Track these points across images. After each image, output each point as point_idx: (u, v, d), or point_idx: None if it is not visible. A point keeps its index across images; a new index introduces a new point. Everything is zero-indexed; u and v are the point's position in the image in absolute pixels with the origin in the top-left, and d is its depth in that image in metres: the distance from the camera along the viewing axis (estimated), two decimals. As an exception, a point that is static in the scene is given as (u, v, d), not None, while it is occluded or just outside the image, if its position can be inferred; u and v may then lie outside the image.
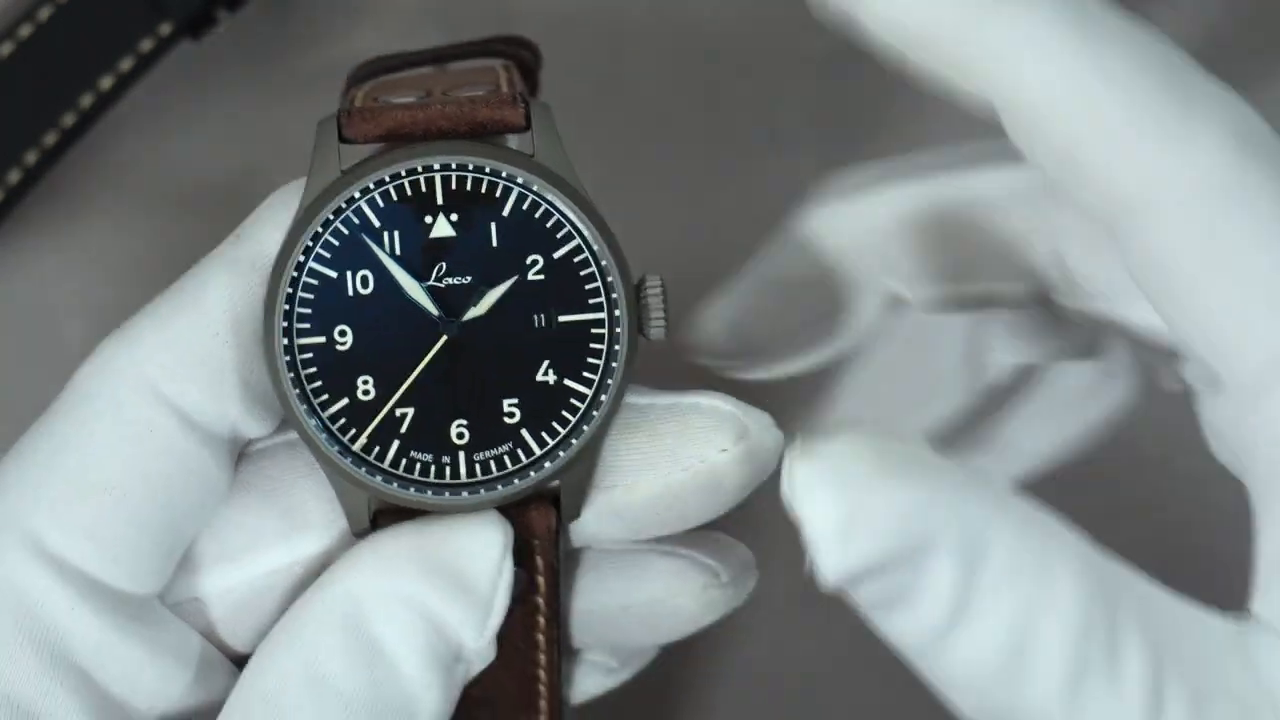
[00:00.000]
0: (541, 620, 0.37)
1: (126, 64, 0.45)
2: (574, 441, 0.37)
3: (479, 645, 0.35)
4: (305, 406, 0.36)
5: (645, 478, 0.36)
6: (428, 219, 0.37)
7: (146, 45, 0.45)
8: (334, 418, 0.36)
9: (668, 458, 0.36)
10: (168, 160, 0.47)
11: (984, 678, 0.32)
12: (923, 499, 0.31)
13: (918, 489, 0.31)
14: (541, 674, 0.37)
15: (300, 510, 0.36)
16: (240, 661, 0.35)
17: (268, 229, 0.36)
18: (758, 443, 0.35)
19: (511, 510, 0.37)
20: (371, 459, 0.36)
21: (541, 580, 0.37)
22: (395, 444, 0.36)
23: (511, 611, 0.36)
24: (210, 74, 0.48)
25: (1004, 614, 0.31)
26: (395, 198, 0.37)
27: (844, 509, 0.31)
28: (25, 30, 0.45)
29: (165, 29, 0.45)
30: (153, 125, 0.48)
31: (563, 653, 0.38)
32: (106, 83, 0.45)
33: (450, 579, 0.35)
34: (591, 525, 0.37)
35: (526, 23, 0.48)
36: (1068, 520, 0.33)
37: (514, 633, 0.37)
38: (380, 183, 0.37)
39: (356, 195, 0.37)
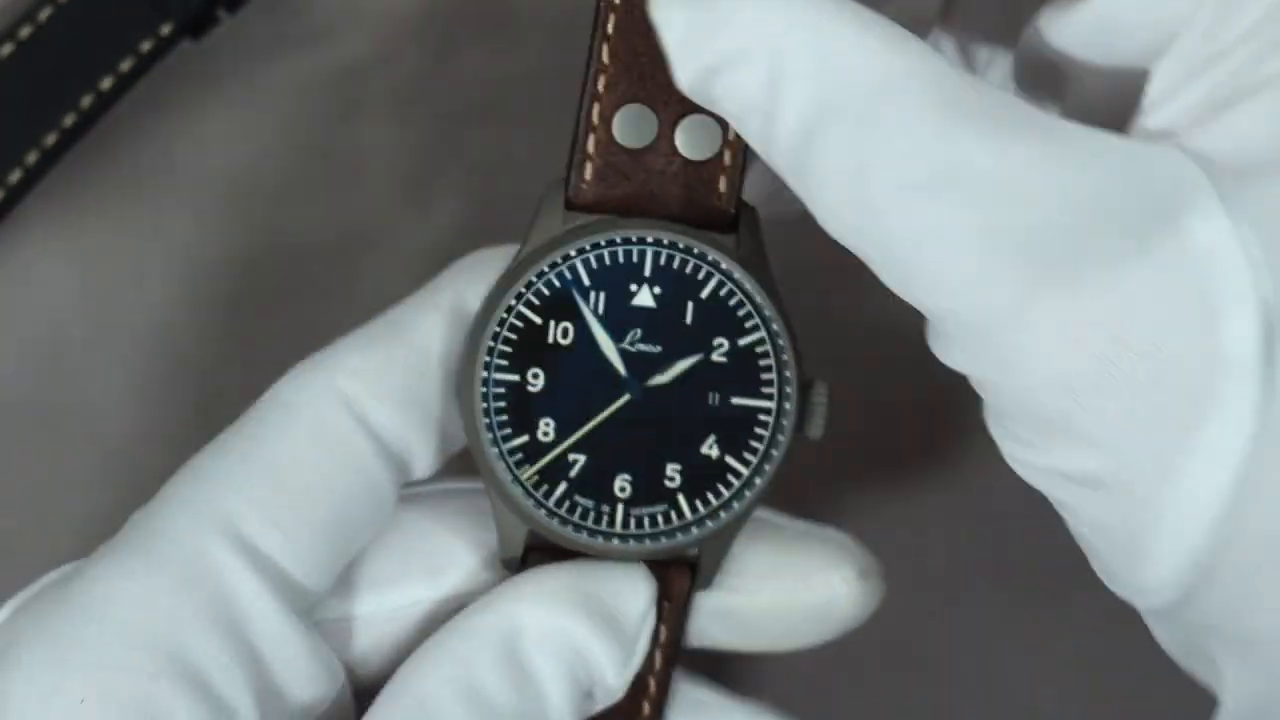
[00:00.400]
0: (653, 682, 0.40)
1: (127, 64, 0.45)
2: (723, 514, 0.39)
3: (616, 684, 0.37)
4: (489, 436, 0.39)
5: (769, 587, 0.39)
6: (633, 287, 0.40)
7: (147, 46, 0.45)
8: (512, 451, 0.39)
9: (795, 575, 0.39)
10: (168, 160, 0.48)
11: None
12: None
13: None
14: None
15: (447, 551, 0.39)
16: (360, 687, 0.38)
17: (466, 283, 0.39)
18: (875, 584, 0.39)
19: (654, 567, 0.40)
20: (539, 495, 0.39)
21: (664, 638, 0.40)
22: (562, 485, 0.39)
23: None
24: (210, 75, 0.48)
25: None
26: (608, 262, 0.40)
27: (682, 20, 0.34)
28: (25, 31, 0.45)
29: (165, 29, 0.45)
30: (153, 125, 0.48)
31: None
32: (107, 83, 0.45)
33: (603, 618, 0.37)
34: (702, 622, 0.39)
35: (527, 27, 0.48)
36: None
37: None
38: (596, 245, 0.40)
39: (573, 253, 0.40)
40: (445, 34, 0.48)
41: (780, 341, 0.39)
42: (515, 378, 0.40)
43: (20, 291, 0.47)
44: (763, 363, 0.40)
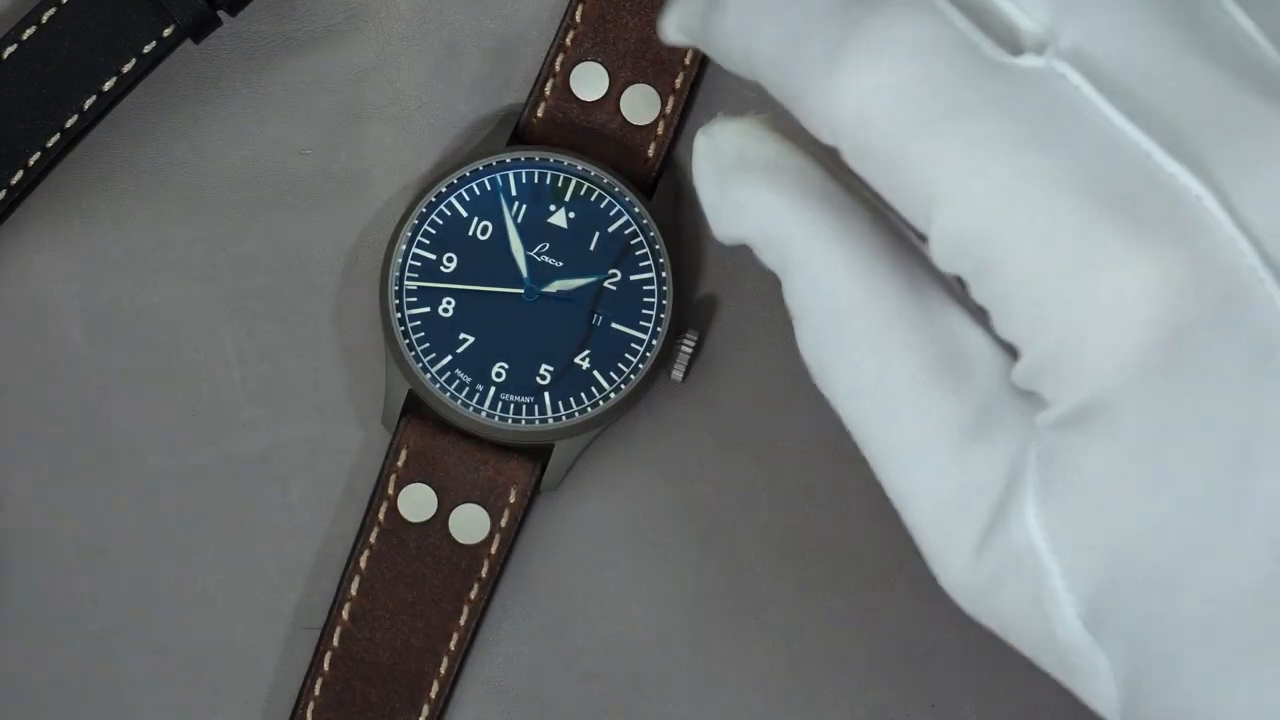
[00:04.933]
0: (486, 565, 0.46)
1: (128, 66, 0.45)
2: (578, 418, 0.46)
3: None
4: (397, 301, 0.46)
5: None
6: (551, 207, 0.46)
7: (148, 47, 0.45)
8: (413, 318, 0.46)
9: None
10: (168, 161, 0.47)
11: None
12: (769, 202, 0.38)
13: (762, 191, 0.38)
14: (451, 646, 0.46)
15: None
16: None
17: None
18: None
19: (503, 457, 0.46)
20: (426, 360, 0.46)
21: (498, 540, 0.46)
22: (448, 357, 0.46)
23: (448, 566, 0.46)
24: (211, 75, 0.48)
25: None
26: (536, 180, 0.46)
27: (714, 193, 0.39)
28: (28, 32, 0.45)
29: (167, 31, 0.45)
30: (154, 126, 0.47)
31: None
32: (108, 84, 0.45)
33: None
34: None
35: (527, 28, 0.48)
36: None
37: (441, 588, 0.46)
38: (530, 162, 0.46)
39: (509, 162, 0.46)
40: (445, 38, 0.48)
41: (665, 288, 0.46)
42: (432, 257, 0.46)
43: (20, 292, 0.47)
44: (646, 300, 0.46)
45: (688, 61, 0.47)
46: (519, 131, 0.46)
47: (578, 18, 0.47)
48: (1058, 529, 0.35)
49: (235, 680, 0.46)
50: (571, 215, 0.46)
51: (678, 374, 0.46)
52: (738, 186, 0.38)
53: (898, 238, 0.38)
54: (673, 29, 0.39)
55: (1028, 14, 0.36)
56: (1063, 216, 0.35)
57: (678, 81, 0.47)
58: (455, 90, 0.48)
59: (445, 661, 0.45)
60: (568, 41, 0.47)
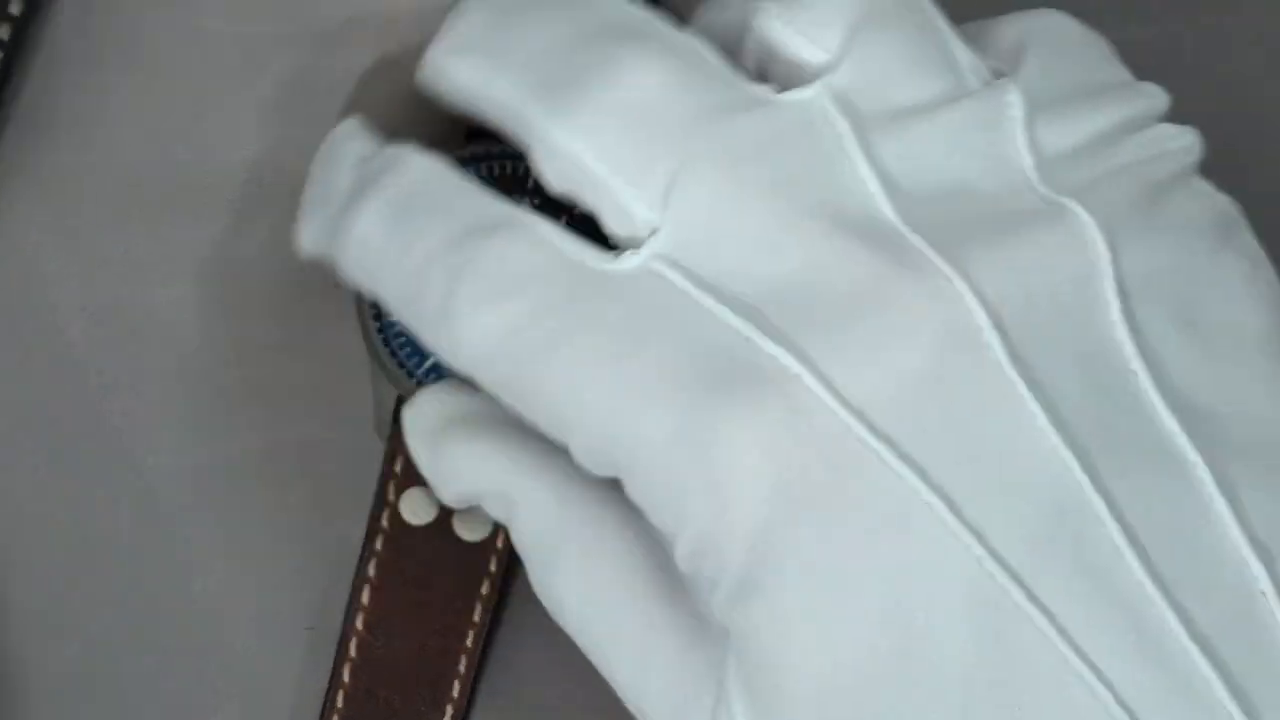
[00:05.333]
0: (487, 582, 0.46)
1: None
2: None
3: None
4: (373, 311, 0.45)
5: None
6: (516, 196, 0.42)
7: None
8: (389, 325, 0.45)
9: None
10: (168, 161, 0.48)
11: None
12: (476, 458, 0.41)
13: (467, 451, 0.41)
14: (468, 644, 0.46)
15: None
16: None
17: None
18: None
19: None
20: (410, 365, 0.44)
21: (503, 534, 0.46)
22: (431, 359, 0.44)
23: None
24: (210, 75, 0.48)
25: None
26: (497, 172, 0.44)
27: (430, 463, 0.42)
28: None
29: None
30: (154, 126, 0.48)
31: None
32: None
33: None
34: None
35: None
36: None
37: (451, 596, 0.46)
38: (489, 156, 0.44)
39: (468, 158, 0.44)
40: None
41: None
42: None
43: (20, 293, 0.47)
44: None
45: None
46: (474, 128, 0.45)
47: None
48: (762, 712, 0.36)
49: (234, 680, 0.46)
50: (537, 203, 0.45)
51: None
52: (446, 455, 0.42)
53: None
54: (307, 245, 0.42)
55: (638, 199, 0.38)
56: (666, 413, 0.36)
57: None
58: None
59: (464, 660, 0.45)
60: None
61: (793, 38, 0.39)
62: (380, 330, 0.45)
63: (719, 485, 0.36)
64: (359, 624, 0.45)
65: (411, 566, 0.46)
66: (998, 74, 0.40)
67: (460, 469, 0.42)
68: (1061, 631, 0.35)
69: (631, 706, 0.39)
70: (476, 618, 0.45)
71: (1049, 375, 0.36)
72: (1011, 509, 0.35)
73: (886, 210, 0.37)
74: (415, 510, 0.46)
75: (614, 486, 0.39)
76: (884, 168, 0.37)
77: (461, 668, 0.45)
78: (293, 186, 0.47)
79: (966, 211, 0.37)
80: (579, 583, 0.40)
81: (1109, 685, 0.34)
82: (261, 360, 0.47)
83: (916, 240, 0.36)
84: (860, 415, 0.35)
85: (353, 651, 0.45)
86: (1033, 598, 0.35)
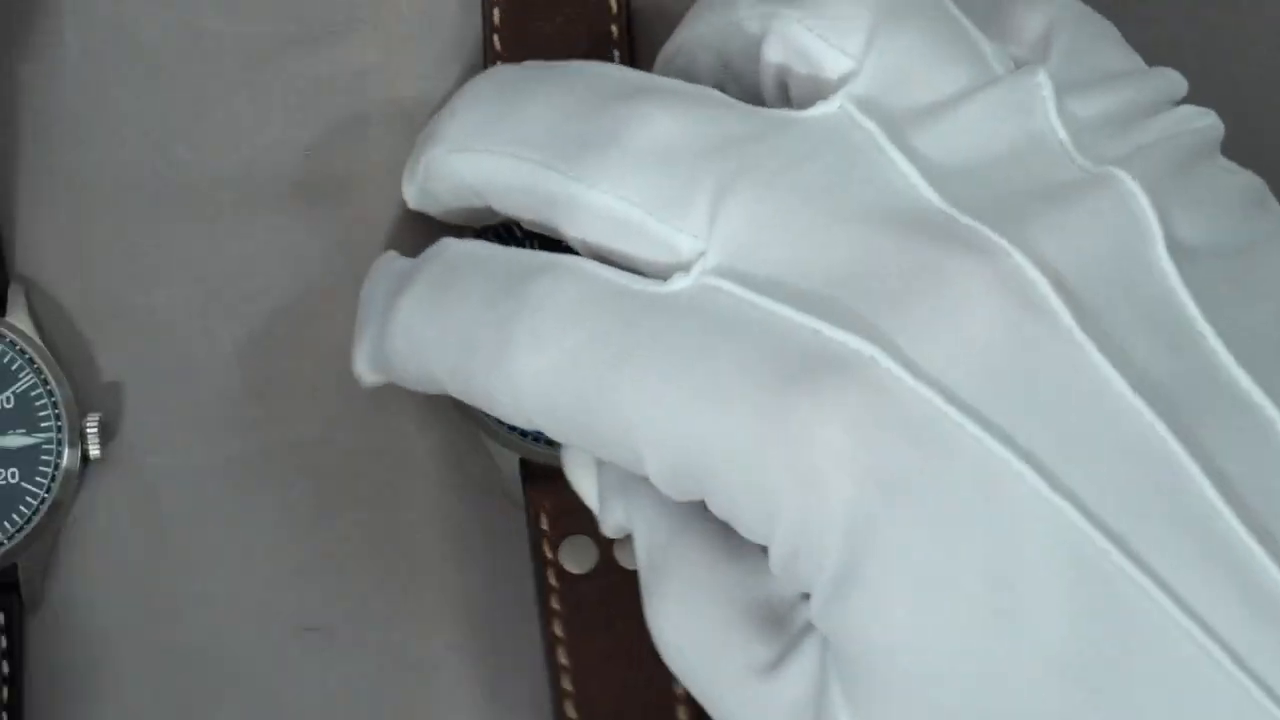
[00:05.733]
0: None
1: None
2: None
3: None
4: None
5: None
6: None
7: None
8: None
9: None
10: (169, 161, 0.48)
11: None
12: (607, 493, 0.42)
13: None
14: None
15: None
16: None
17: None
18: None
19: None
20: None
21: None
22: None
23: None
24: (211, 76, 0.48)
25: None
26: (529, 232, 0.44)
27: (592, 491, 0.42)
28: None
29: None
30: (154, 126, 0.48)
31: None
32: None
33: None
34: None
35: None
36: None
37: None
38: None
39: (496, 227, 0.45)
40: (445, 41, 0.48)
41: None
42: None
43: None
44: None
45: None
46: None
47: (498, 46, 0.46)
48: (868, 705, 0.36)
49: (235, 681, 0.46)
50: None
51: None
52: (604, 470, 0.42)
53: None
54: (364, 370, 0.42)
55: (681, 231, 0.38)
56: (744, 415, 0.36)
57: None
58: (455, 90, 0.48)
59: (679, 685, 0.44)
60: None
61: (815, 43, 0.39)
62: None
63: (810, 477, 0.35)
64: (567, 685, 0.45)
65: (593, 614, 0.45)
66: (1018, 61, 0.40)
67: (605, 492, 0.42)
68: (1167, 589, 0.34)
69: None
70: None
71: (1118, 337, 0.36)
72: (1102, 471, 0.35)
73: (932, 197, 0.37)
74: (577, 560, 0.45)
75: (711, 518, 0.39)
76: (923, 158, 0.37)
77: (678, 690, 0.45)
78: (293, 187, 0.48)
79: (1011, 189, 0.37)
80: (679, 615, 0.40)
81: (1220, 641, 0.34)
82: (262, 360, 0.47)
83: (968, 220, 0.36)
84: (941, 389, 0.35)
85: (572, 713, 0.45)
86: (1134, 558, 0.34)
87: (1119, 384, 0.35)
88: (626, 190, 0.38)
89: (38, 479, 0.45)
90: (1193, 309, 0.36)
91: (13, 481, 0.45)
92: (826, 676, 0.37)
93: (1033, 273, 0.36)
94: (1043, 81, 0.38)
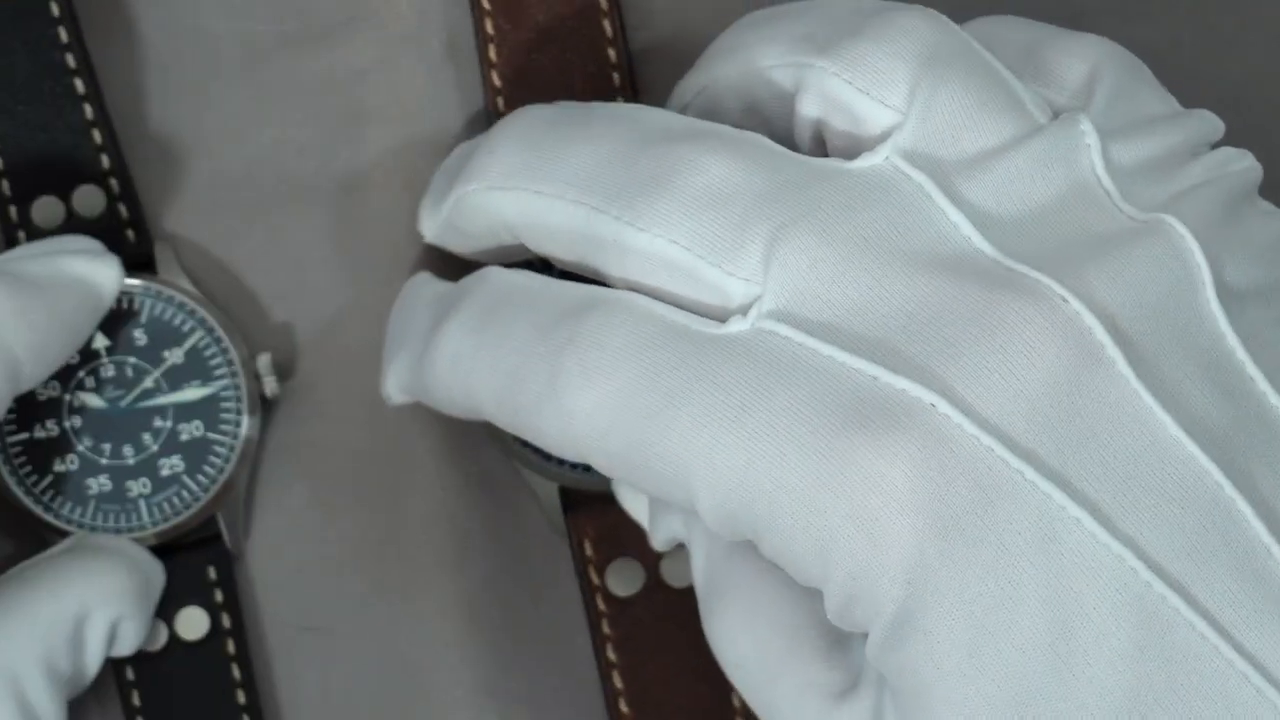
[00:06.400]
0: None
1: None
2: None
3: None
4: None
5: None
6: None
7: None
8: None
9: None
10: (169, 162, 0.48)
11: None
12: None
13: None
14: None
15: None
16: None
17: None
18: None
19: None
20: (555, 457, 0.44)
21: None
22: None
23: None
24: (211, 75, 0.48)
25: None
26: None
27: (642, 507, 0.43)
28: None
29: None
30: (154, 126, 0.48)
31: None
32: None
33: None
34: None
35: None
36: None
37: None
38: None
39: (544, 259, 0.42)
40: (445, 42, 0.48)
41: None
42: None
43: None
44: None
45: None
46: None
47: (497, 81, 0.46)
48: None
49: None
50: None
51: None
52: (659, 514, 0.42)
53: None
54: (394, 391, 0.42)
55: (732, 274, 0.37)
56: (801, 459, 0.36)
57: None
58: (455, 90, 0.48)
59: (735, 698, 0.45)
60: (502, 109, 0.46)
61: (855, 97, 0.39)
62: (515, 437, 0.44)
63: (868, 523, 0.35)
64: (624, 708, 0.45)
65: (645, 635, 0.45)
66: (1055, 106, 0.40)
67: (656, 506, 0.42)
68: (1224, 634, 0.34)
69: None
70: None
71: (1172, 383, 0.36)
72: (1159, 517, 0.35)
73: (984, 246, 0.37)
74: (624, 583, 0.45)
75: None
76: (972, 208, 0.37)
77: (736, 702, 0.45)
78: (292, 187, 0.48)
79: (1061, 237, 0.37)
80: (740, 634, 0.40)
81: (1277, 685, 0.34)
82: (260, 359, 0.47)
83: (1023, 269, 0.36)
84: (999, 436, 0.35)
85: None
86: (1192, 602, 0.35)
87: (1174, 429, 0.35)
88: (678, 234, 0.38)
89: (222, 428, 0.45)
90: (1242, 354, 0.37)
91: (198, 434, 0.45)
92: (883, 709, 0.37)
93: (1089, 318, 0.36)
94: (1086, 130, 0.38)
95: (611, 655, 0.45)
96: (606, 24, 0.46)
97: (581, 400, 0.37)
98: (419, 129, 0.47)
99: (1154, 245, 0.37)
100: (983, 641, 0.35)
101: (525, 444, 0.44)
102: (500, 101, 0.46)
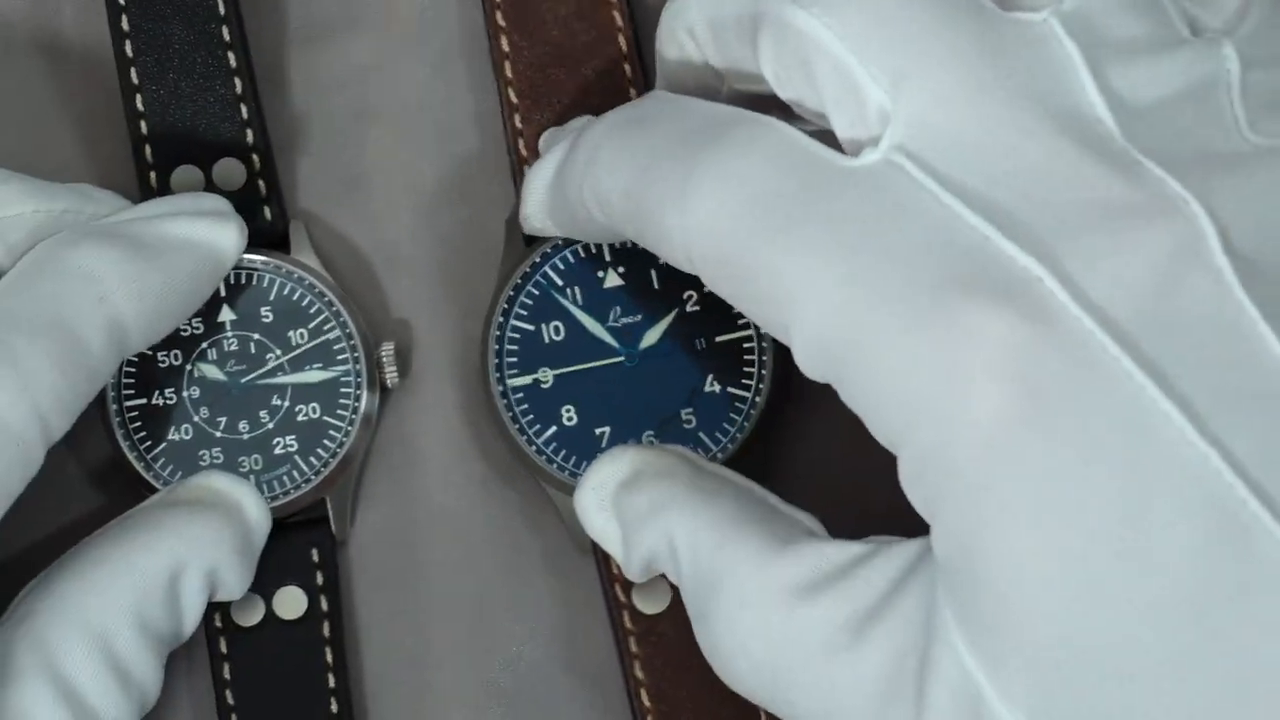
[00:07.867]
0: None
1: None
2: (739, 436, 0.45)
3: None
4: (524, 437, 0.45)
5: None
6: (600, 274, 0.45)
7: None
8: (547, 442, 0.45)
9: None
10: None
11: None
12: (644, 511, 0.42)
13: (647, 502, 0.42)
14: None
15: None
16: None
17: None
18: None
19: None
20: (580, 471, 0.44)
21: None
22: (586, 460, 0.44)
23: None
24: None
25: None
26: (572, 260, 0.45)
27: (612, 531, 0.43)
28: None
29: None
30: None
31: None
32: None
33: None
34: None
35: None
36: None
37: None
38: (557, 247, 0.45)
39: (539, 260, 0.45)
40: (445, 41, 0.48)
41: None
42: (528, 380, 0.45)
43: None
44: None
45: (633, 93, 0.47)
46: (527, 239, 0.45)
47: (514, 98, 0.46)
48: (981, 650, 0.36)
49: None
50: (621, 269, 0.45)
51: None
52: (623, 514, 0.42)
53: (757, 500, 0.41)
54: (531, 206, 0.43)
55: (874, 79, 0.38)
56: (903, 303, 0.36)
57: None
58: (455, 90, 0.48)
59: (763, 715, 0.45)
60: (519, 124, 0.46)
61: None
62: (539, 452, 0.45)
63: (959, 376, 0.35)
64: None
65: (672, 652, 0.45)
66: (1204, 24, 0.40)
67: (632, 525, 0.42)
68: None
69: (821, 712, 0.39)
70: None
71: (1277, 300, 0.36)
72: (1249, 426, 0.35)
73: (1116, 133, 0.37)
74: (651, 600, 0.45)
75: (778, 521, 0.39)
76: (1112, 93, 0.38)
77: (763, 716, 0.44)
78: (294, 189, 0.48)
79: (1189, 146, 0.37)
80: (741, 617, 0.40)
81: None
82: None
83: (1150, 163, 0.37)
84: (1103, 319, 0.35)
85: None
86: (1273, 508, 0.35)
87: (1275, 345, 0.36)
88: (834, 21, 0.38)
89: (339, 412, 0.45)
90: None
91: (314, 416, 0.45)
92: (934, 608, 0.37)
93: (1206, 224, 0.36)
94: (1229, 55, 0.38)
95: (639, 673, 0.45)
96: (622, 39, 0.46)
97: (708, 200, 0.38)
98: (419, 128, 0.48)
99: (1275, 171, 0.37)
100: (1054, 517, 0.35)
101: (549, 460, 0.45)
102: (517, 119, 0.46)
